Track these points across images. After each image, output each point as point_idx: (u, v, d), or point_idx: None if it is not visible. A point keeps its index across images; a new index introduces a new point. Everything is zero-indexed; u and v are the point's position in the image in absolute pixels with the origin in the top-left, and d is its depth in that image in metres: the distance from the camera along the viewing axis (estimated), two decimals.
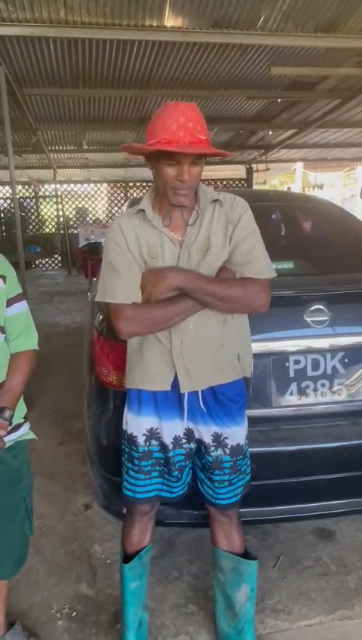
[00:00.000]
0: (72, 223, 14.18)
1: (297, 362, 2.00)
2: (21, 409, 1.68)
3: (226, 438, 1.63)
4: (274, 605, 2.07)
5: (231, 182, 13.47)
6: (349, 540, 2.45)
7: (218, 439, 1.63)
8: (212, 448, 1.63)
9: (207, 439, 1.63)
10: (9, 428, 1.57)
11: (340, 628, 1.97)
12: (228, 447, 1.63)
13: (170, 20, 4.31)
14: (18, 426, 1.66)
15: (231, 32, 4.49)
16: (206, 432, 1.62)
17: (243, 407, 1.69)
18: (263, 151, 11.22)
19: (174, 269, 1.53)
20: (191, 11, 4.17)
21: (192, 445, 1.65)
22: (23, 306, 1.66)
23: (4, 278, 1.60)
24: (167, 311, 1.51)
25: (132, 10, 4.09)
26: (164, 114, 1.43)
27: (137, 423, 1.64)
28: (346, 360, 2.03)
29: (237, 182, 13.52)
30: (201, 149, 1.41)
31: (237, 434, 1.65)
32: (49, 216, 14.87)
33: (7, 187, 13.17)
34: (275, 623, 1.99)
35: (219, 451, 1.63)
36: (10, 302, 1.62)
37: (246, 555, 1.75)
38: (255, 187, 13.37)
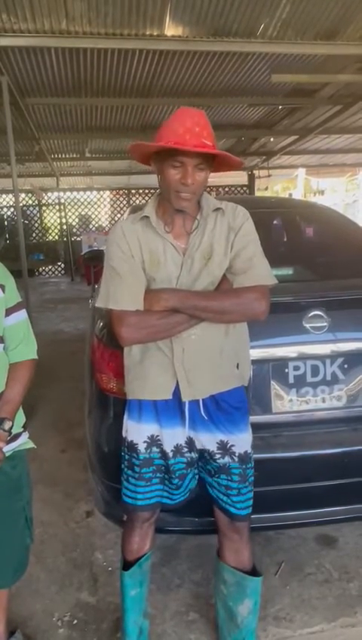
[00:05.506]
0: (75, 230, 14.24)
1: (297, 368, 2.00)
2: (20, 418, 1.67)
3: (233, 445, 1.62)
4: (276, 613, 2.06)
5: (232, 188, 13.49)
6: (352, 547, 2.43)
7: (224, 447, 1.62)
8: (218, 455, 1.62)
9: (212, 447, 1.62)
10: (8, 438, 1.57)
11: (342, 635, 1.96)
12: (236, 454, 1.62)
13: (171, 29, 4.34)
14: (17, 436, 1.65)
15: (232, 40, 4.51)
16: (209, 440, 1.61)
17: (246, 413, 1.68)
18: (265, 157, 11.24)
19: (169, 290, 1.53)
20: (192, 20, 4.20)
21: (193, 454, 1.64)
22: (22, 315, 1.65)
23: (2, 287, 1.59)
24: (170, 320, 1.51)
25: (133, 19, 4.12)
26: (172, 118, 1.45)
27: (138, 431, 1.64)
28: (346, 366, 2.03)
29: (238, 188, 13.55)
30: (205, 149, 1.40)
31: (243, 441, 1.64)
32: (52, 224, 14.94)
33: (10, 195, 13.25)
34: (277, 630, 1.98)
35: (227, 459, 1.62)
36: (9, 311, 1.61)
37: (252, 570, 1.71)
38: (257, 193, 13.40)
